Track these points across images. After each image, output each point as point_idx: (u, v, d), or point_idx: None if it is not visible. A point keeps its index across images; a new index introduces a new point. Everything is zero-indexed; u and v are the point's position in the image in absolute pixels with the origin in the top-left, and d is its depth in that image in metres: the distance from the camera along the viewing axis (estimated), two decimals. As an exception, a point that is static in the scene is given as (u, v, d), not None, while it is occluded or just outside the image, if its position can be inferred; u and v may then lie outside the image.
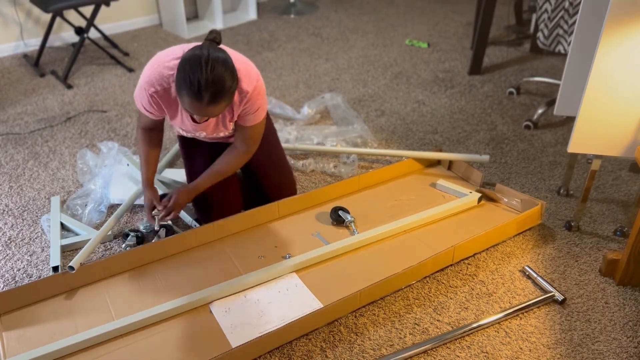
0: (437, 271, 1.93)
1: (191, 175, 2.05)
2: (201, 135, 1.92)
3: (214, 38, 1.61)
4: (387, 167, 2.39)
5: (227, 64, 1.56)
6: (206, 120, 1.77)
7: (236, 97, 1.72)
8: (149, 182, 1.97)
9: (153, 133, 1.94)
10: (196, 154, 2.04)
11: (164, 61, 1.71)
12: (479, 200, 2.23)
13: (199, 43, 1.63)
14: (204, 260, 1.95)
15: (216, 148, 2.02)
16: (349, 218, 2.09)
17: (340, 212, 2.11)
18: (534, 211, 2.09)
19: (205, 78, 1.50)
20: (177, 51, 1.71)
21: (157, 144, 1.96)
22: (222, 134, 1.93)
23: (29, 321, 1.71)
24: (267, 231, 2.09)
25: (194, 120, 1.80)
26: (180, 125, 1.87)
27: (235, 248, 2.00)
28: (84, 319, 1.72)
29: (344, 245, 1.97)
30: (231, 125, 1.88)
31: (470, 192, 2.24)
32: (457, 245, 1.91)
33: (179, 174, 2.39)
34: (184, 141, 2.06)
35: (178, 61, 1.63)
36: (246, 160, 1.95)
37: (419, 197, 2.29)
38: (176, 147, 2.57)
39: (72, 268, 1.78)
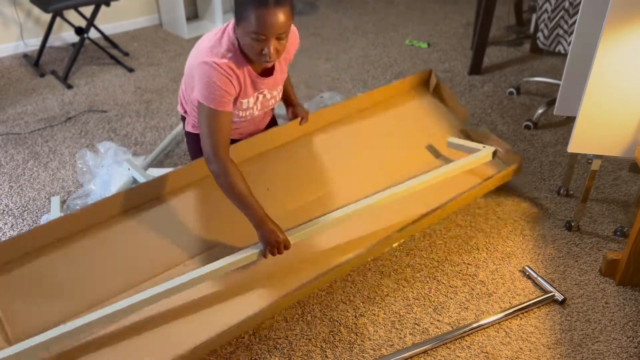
0: (436, 269, 1.94)
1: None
2: (257, 103, 1.79)
3: None
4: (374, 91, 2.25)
5: None
6: (271, 63, 1.65)
7: None
8: (269, 218, 1.62)
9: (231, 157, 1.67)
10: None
11: (215, 38, 1.66)
12: (494, 154, 2.14)
13: None
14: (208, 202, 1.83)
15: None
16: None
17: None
18: (515, 159, 2.21)
19: None
20: (218, 31, 1.69)
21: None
22: (279, 89, 1.85)
23: (28, 279, 1.56)
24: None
25: (261, 74, 1.72)
26: (243, 97, 1.74)
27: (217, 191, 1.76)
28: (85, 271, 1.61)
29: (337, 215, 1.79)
30: (286, 70, 1.85)
31: (484, 147, 2.15)
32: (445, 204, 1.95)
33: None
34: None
35: (227, 35, 1.64)
36: None
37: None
38: (163, 144, 2.56)
39: None
